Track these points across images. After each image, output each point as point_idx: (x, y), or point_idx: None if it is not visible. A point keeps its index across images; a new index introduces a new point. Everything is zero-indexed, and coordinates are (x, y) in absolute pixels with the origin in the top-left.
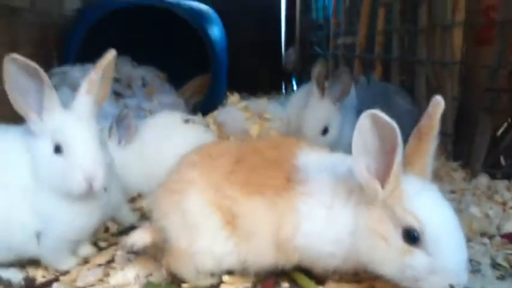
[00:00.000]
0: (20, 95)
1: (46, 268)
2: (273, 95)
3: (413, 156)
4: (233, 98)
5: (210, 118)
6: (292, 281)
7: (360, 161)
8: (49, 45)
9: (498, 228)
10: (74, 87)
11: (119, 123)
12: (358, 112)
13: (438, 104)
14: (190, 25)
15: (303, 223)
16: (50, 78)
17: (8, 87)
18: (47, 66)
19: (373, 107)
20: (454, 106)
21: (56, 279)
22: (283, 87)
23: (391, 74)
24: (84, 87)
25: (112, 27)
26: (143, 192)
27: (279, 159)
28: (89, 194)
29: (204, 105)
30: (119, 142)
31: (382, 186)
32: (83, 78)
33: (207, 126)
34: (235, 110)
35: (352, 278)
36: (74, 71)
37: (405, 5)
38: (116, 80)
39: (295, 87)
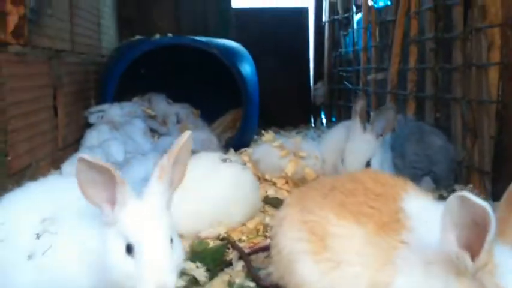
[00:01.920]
0: (90, 189)
1: None
2: (301, 129)
3: (505, 224)
4: (268, 135)
5: (245, 156)
6: None
7: (449, 235)
8: (88, 84)
9: None
10: (112, 125)
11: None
12: (392, 149)
13: None
14: (222, 62)
15: (399, 274)
16: (89, 116)
17: (79, 183)
18: (86, 105)
19: (407, 144)
20: (492, 145)
21: None
22: (312, 121)
23: (424, 112)
24: (155, 173)
25: (147, 65)
26: (184, 233)
27: (383, 195)
28: None
29: (236, 141)
30: None
31: (473, 259)
32: (120, 116)
33: (244, 164)
34: (270, 147)
35: None
36: (111, 109)
37: (438, 43)
38: (152, 117)
39: (323, 121)
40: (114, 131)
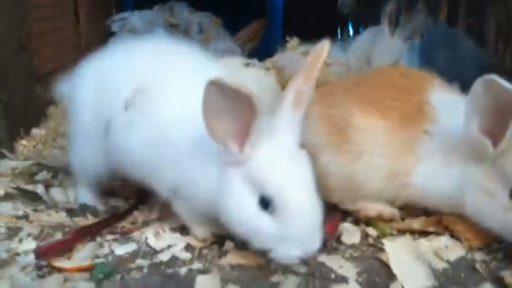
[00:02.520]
0: (218, 121)
1: (126, 200)
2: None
3: None
4: (292, 42)
5: (269, 63)
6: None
7: (473, 121)
8: None
9: None
10: (133, 33)
11: None
12: (421, 54)
13: None
14: None
15: (420, 163)
16: (111, 25)
17: (205, 113)
18: (108, 14)
19: (435, 49)
20: None
21: (136, 208)
22: (339, 31)
23: (457, 17)
24: (288, 100)
25: None
26: None
27: (409, 89)
28: None
29: (259, 51)
30: None
31: (495, 145)
32: (142, 24)
33: (267, 69)
34: (295, 54)
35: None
36: (132, 17)
37: None
38: (174, 26)
39: (351, 32)
40: (136, 38)
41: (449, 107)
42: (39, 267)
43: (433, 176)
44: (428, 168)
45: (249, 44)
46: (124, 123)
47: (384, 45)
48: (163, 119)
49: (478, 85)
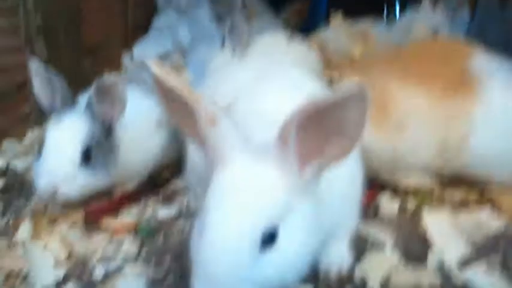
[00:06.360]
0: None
1: None
2: (374, 20)
3: None
4: (336, 18)
5: (312, 39)
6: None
7: None
8: None
9: None
10: (179, 9)
11: (231, 32)
12: (469, 30)
13: None
14: None
15: (478, 129)
16: (157, 1)
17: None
18: None
19: (487, 27)
20: None
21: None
22: (385, 12)
23: None
24: (279, 134)
25: None
26: None
27: (451, 56)
28: None
29: (303, 29)
30: (234, 51)
31: None
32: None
33: (310, 46)
34: (338, 30)
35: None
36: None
37: None
38: (217, 2)
39: (397, 13)
40: (181, 14)
41: (496, 70)
42: (87, 225)
43: (500, 136)
44: (492, 131)
45: (293, 22)
46: None
47: (424, 17)
48: None
49: None
